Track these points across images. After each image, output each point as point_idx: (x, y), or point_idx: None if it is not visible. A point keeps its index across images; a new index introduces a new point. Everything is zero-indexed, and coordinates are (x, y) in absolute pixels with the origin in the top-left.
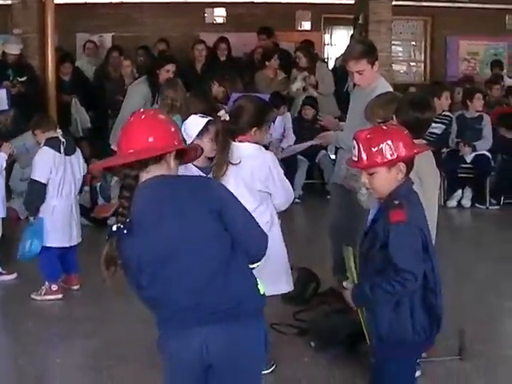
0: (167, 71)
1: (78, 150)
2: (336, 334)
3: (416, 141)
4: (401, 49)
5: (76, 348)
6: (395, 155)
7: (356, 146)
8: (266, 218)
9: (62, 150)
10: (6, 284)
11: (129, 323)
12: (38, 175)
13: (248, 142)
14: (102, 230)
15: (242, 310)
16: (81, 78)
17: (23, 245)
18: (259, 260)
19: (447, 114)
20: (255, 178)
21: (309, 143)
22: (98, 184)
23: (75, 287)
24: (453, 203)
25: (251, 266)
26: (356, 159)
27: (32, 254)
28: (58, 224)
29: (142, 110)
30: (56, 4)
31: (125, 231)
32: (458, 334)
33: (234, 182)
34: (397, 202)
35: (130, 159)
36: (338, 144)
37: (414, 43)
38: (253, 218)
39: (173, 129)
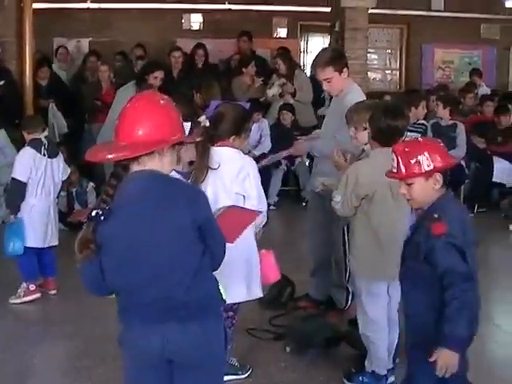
0: (155, 78)
1: (60, 154)
2: (312, 338)
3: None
4: (376, 57)
5: (55, 349)
6: (432, 166)
7: (395, 158)
8: None
9: (42, 152)
10: None
11: (107, 324)
12: (19, 174)
13: (227, 146)
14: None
15: (202, 310)
16: (58, 83)
17: (6, 244)
18: (216, 270)
19: (422, 122)
20: (234, 181)
21: (284, 153)
22: (74, 189)
23: (52, 292)
24: None
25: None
26: (395, 170)
27: (15, 253)
28: (36, 224)
29: (144, 94)
30: (34, 9)
31: (102, 218)
32: None
33: (213, 186)
34: (436, 216)
35: (140, 152)
36: (311, 152)
37: (389, 51)
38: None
39: (174, 117)
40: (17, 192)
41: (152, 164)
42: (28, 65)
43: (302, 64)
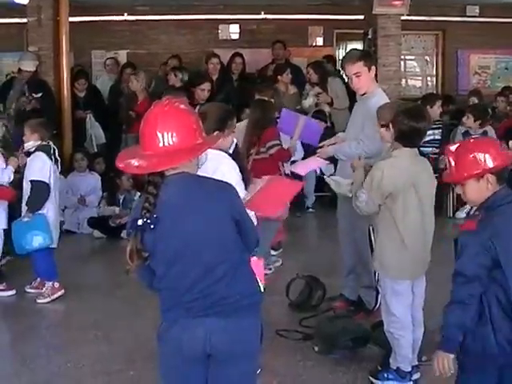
0: (202, 90)
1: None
2: (338, 338)
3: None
4: (415, 63)
5: (83, 353)
6: (481, 168)
7: (447, 160)
8: None
9: (52, 157)
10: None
11: (133, 327)
12: (40, 175)
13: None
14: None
15: (243, 305)
16: (96, 95)
17: (22, 239)
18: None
19: (438, 119)
20: None
21: (311, 162)
22: (122, 196)
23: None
24: (462, 214)
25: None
26: (448, 172)
27: (41, 246)
28: (52, 225)
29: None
30: (71, 22)
31: (151, 226)
32: None
33: None
34: (477, 213)
35: (181, 161)
36: (336, 156)
37: (426, 58)
38: (254, 225)
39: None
40: (41, 192)
41: (184, 166)
42: (65, 77)
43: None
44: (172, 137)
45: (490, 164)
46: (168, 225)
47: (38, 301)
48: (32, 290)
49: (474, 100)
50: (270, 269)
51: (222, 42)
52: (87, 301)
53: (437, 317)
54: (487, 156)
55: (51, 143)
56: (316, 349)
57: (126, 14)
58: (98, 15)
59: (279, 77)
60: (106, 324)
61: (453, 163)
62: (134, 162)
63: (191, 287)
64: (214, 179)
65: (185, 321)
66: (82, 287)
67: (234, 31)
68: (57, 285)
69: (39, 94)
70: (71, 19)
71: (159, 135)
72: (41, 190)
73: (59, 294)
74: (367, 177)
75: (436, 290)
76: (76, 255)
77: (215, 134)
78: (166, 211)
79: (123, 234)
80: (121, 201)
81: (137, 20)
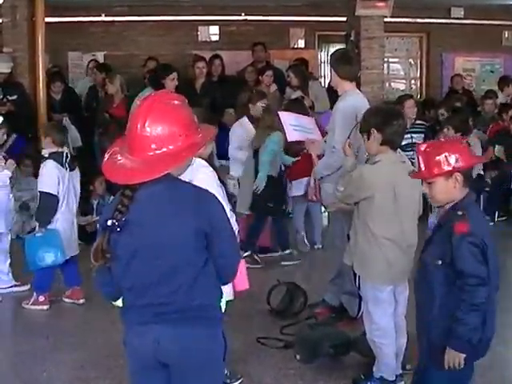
0: (172, 79)
1: (77, 166)
2: (320, 346)
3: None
4: (398, 66)
5: (61, 360)
6: (451, 166)
7: (416, 158)
8: None
9: (65, 165)
10: None
11: (112, 335)
12: (48, 187)
13: None
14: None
15: (198, 316)
16: (72, 97)
17: (35, 256)
18: (225, 284)
19: (420, 122)
20: None
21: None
22: (96, 201)
23: (80, 301)
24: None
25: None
26: (417, 170)
27: (54, 264)
28: (64, 238)
29: (162, 95)
30: (47, 22)
31: (118, 229)
32: None
33: None
34: (460, 213)
35: (181, 161)
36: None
37: (411, 60)
38: (235, 248)
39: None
40: (49, 205)
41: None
42: (41, 79)
43: (321, 75)
44: (164, 141)
45: (460, 163)
46: (134, 229)
47: (23, 304)
48: (67, 300)
49: (443, 113)
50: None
51: (202, 44)
52: (63, 307)
53: None
54: (458, 155)
55: (65, 149)
56: (297, 357)
57: (103, 14)
58: (75, 16)
59: (260, 77)
60: (82, 331)
61: (422, 161)
62: (126, 171)
63: (143, 293)
64: (193, 187)
65: (137, 326)
66: (58, 294)
67: (213, 33)
68: (41, 298)
69: (14, 97)
70: (47, 19)
71: (149, 141)
72: (48, 202)
73: (41, 307)
74: (347, 176)
75: None
76: None
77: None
78: (135, 215)
79: None
80: (95, 206)
81: (114, 21)
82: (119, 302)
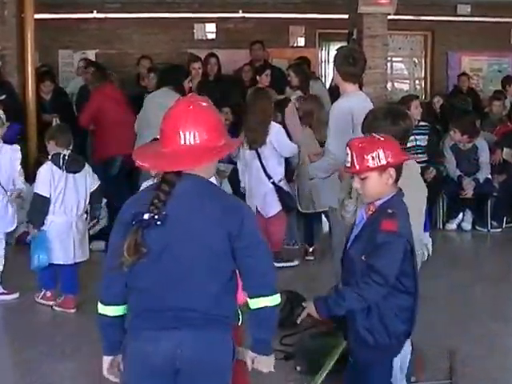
0: (189, 82)
1: (86, 168)
2: (321, 356)
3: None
4: (402, 66)
5: (55, 370)
6: (385, 161)
7: (349, 153)
8: None
9: (62, 167)
10: None
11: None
12: (40, 189)
13: None
14: None
15: (216, 323)
16: (62, 97)
17: (32, 258)
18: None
19: (424, 124)
20: None
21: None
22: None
23: (72, 310)
24: (452, 226)
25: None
26: (349, 165)
27: (40, 267)
28: (54, 240)
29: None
30: (36, 19)
31: (158, 222)
32: (449, 356)
33: None
34: (390, 212)
35: (204, 161)
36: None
37: (415, 59)
38: (269, 255)
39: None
40: (40, 207)
41: (200, 169)
42: (30, 78)
43: (322, 74)
44: (195, 135)
45: (393, 158)
46: (169, 224)
47: (35, 296)
48: (57, 308)
49: (440, 99)
50: None
51: (198, 42)
52: (55, 315)
53: (427, 334)
54: (391, 151)
55: (65, 151)
56: (298, 368)
57: (95, 11)
58: (66, 12)
59: (258, 77)
60: (73, 340)
61: (356, 156)
62: (154, 160)
63: (165, 293)
64: (224, 191)
65: (150, 332)
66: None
67: (210, 30)
68: (48, 294)
69: (2, 96)
70: (36, 16)
71: (181, 133)
72: (38, 203)
73: (47, 303)
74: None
75: (425, 306)
76: None
77: None
78: (172, 211)
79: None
80: (88, 209)
81: (106, 18)
82: (109, 310)
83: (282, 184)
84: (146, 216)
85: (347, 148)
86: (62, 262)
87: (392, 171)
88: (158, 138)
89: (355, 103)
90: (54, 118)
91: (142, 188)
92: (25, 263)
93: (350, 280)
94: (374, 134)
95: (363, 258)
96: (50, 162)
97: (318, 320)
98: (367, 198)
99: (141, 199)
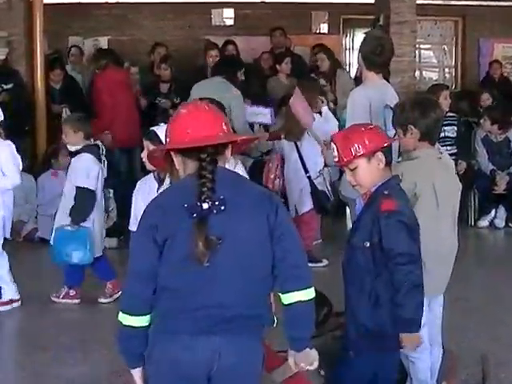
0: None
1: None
2: None
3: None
4: (431, 53)
5: (64, 375)
6: (372, 146)
7: (334, 147)
8: None
9: (101, 159)
10: None
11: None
12: (87, 182)
13: None
14: None
15: (258, 326)
16: (73, 86)
17: (62, 250)
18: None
19: (452, 114)
20: None
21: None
22: None
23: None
24: (484, 223)
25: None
26: (337, 159)
27: (81, 262)
28: (96, 236)
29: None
30: (45, 4)
31: (222, 207)
32: (482, 361)
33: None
34: (386, 193)
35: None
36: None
37: (445, 47)
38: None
39: None
40: (87, 202)
41: (222, 163)
42: (39, 66)
43: (346, 63)
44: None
45: (380, 142)
46: (229, 209)
47: (51, 297)
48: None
49: (488, 96)
50: None
51: (215, 29)
52: (63, 319)
53: (458, 337)
54: (375, 136)
55: (99, 142)
56: (321, 372)
57: None
58: None
59: (278, 66)
60: (85, 345)
61: (341, 148)
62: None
63: (199, 294)
64: (254, 183)
65: (185, 338)
66: (59, 305)
67: (228, 16)
68: (72, 292)
69: (9, 85)
70: (45, 1)
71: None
72: (87, 198)
73: (69, 301)
74: None
75: (456, 307)
76: (50, 268)
77: None
78: (225, 196)
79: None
80: None
81: (119, 3)
82: (134, 321)
83: (319, 181)
84: (205, 205)
85: (331, 143)
86: (97, 255)
87: (380, 155)
88: None
89: (372, 93)
90: (64, 109)
91: (140, 188)
92: (34, 262)
93: (349, 270)
94: (355, 124)
95: (367, 244)
96: (87, 154)
97: (341, 322)
98: (363, 189)
99: (171, 199)
